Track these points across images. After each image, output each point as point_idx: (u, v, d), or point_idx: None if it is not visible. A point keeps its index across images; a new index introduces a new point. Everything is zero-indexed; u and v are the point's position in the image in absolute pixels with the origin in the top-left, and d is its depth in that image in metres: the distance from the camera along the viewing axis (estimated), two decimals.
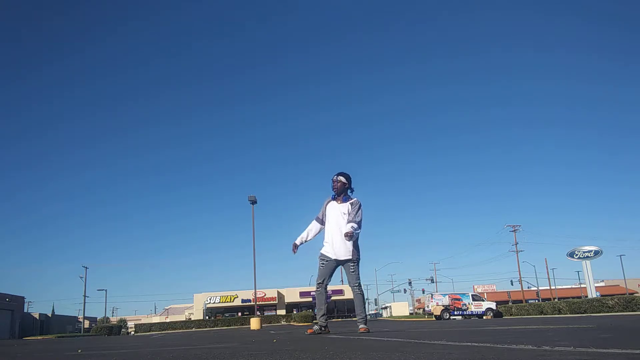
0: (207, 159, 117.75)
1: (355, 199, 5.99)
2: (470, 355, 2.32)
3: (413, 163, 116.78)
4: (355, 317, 6.05)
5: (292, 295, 55.79)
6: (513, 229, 57.75)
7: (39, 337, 38.65)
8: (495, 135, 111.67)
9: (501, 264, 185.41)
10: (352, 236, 5.66)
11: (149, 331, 41.44)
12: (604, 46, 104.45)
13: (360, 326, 5.71)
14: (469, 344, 3.09)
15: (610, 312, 23.71)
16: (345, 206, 5.90)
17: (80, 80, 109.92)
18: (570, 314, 26.20)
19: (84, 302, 55.21)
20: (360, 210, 5.89)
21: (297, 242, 6.10)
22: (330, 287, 59.31)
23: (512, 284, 65.04)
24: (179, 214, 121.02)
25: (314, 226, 6.15)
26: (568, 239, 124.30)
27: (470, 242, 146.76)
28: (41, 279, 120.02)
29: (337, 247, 5.83)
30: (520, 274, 57.53)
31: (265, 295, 53.17)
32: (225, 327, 37.61)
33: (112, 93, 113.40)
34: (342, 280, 60.51)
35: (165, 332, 36.65)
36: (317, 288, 5.99)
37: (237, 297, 54.15)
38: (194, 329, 39.41)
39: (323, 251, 5.96)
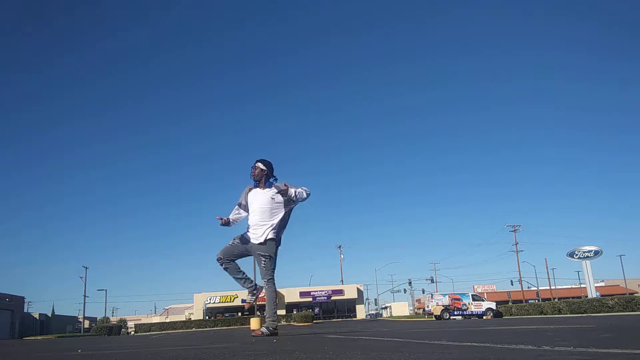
0: (207, 159, 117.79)
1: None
2: (470, 355, 2.32)
3: (413, 163, 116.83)
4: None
5: (292, 295, 55.76)
6: (513, 229, 57.77)
7: (39, 337, 38.62)
8: (495, 135, 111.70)
9: (501, 264, 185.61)
10: (296, 193, 5.34)
11: (149, 331, 41.41)
12: (604, 46, 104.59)
13: (260, 329, 5.42)
14: (469, 344, 3.09)
15: (610, 312, 23.70)
16: (272, 190, 5.52)
17: (80, 80, 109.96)
18: (570, 314, 26.18)
19: (84, 302, 55.29)
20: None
21: (231, 217, 5.64)
22: (329, 287, 58.95)
23: (512, 284, 65.07)
24: (179, 213, 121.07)
25: (238, 211, 5.69)
26: (568, 239, 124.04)
27: (470, 242, 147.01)
28: (41, 279, 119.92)
29: (255, 230, 5.47)
30: (520, 274, 57.58)
31: (265, 295, 53.06)
32: (225, 327, 37.59)
33: (112, 93, 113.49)
34: (342, 281, 60.58)
35: (165, 332, 36.62)
36: (220, 264, 5.50)
37: (237, 297, 54.09)
38: (194, 329, 39.39)
39: (242, 233, 5.61)
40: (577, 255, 40.01)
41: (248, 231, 5.58)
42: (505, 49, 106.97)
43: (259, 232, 5.47)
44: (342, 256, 64.91)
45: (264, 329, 5.43)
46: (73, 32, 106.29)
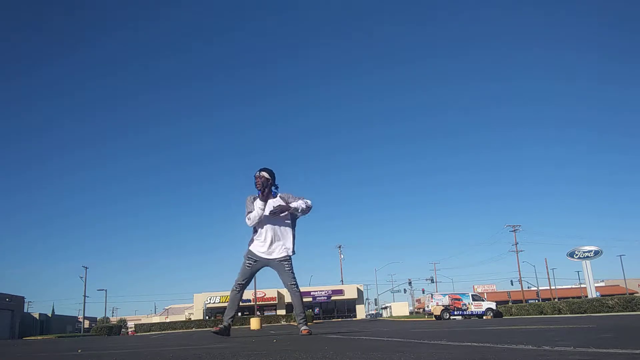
0: (207, 159, 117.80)
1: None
2: (470, 355, 2.32)
3: (413, 163, 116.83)
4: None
5: None
6: (513, 229, 57.78)
7: (39, 337, 38.63)
8: (495, 135, 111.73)
9: (501, 264, 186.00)
10: (306, 207, 5.54)
11: (149, 331, 41.42)
12: (605, 46, 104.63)
13: (302, 328, 5.48)
14: (469, 344, 3.08)
15: (610, 312, 23.71)
16: (277, 200, 5.60)
17: (80, 80, 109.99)
18: (570, 314, 26.18)
19: (84, 302, 55.21)
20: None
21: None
22: (329, 287, 59.00)
23: (512, 284, 65.11)
24: (179, 214, 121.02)
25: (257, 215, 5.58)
26: (568, 239, 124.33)
27: (470, 242, 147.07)
28: (41, 279, 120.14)
29: (274, 245, 5.55)
30: (520, 274, 57.62)
31: (265, 295, 53.12)
32: None
33: (111, 93, 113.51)
34: (342, 281, 60.54)
35: (165, 332, 36.63)
36: (236, 288, 5.66)
37: None
38: (194, 329, 39.39)
39: (254, 250, 5.61)
40: (577, 255, 40.01)
41: (257, 244, 5.65)
42: (505, 49, 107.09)
43: (277, 247, 5.58)
44: (342, 256, 64.95)
45: (305, 327, 5.55)
46: (72, 32, 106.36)
